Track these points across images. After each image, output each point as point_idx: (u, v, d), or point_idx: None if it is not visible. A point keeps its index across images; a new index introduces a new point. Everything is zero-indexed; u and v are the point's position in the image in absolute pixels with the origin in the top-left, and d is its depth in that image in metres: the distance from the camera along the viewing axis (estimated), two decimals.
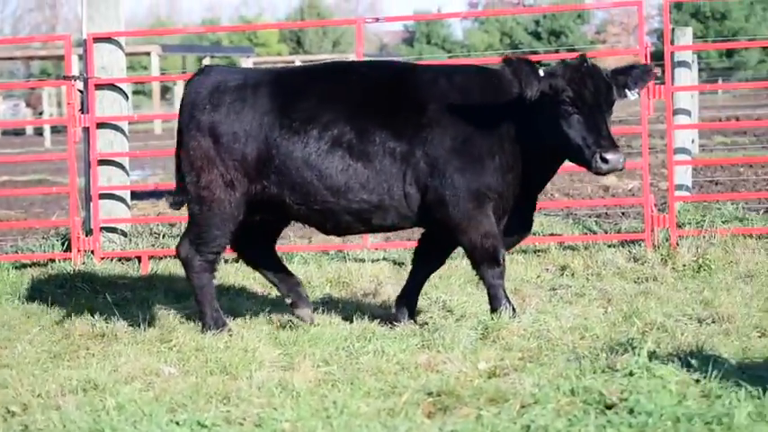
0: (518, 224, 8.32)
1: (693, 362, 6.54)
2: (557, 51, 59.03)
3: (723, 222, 11.47)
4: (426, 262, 8.68)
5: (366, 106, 8.23)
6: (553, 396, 5.97)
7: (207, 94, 8.46)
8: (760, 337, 7.42)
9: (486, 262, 8.06)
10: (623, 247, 11.22)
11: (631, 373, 6.31)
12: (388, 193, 8.11)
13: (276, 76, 8.56)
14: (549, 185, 9.57)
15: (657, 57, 12.90)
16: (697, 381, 6.17)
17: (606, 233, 11.73)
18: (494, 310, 8.02)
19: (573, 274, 10.42)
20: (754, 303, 8.42)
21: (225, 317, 8.46)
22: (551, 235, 11.90)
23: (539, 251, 11.50)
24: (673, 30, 12.04)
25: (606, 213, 13.69)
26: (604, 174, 7.81)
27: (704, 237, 10.87)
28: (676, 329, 7.60)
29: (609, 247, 11.24)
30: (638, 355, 6.59)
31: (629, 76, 7.92)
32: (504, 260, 8.09)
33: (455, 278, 10.06)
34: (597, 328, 7.68)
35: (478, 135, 8.05)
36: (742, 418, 5.44)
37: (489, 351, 7.15)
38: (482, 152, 8.03)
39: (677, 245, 10.90)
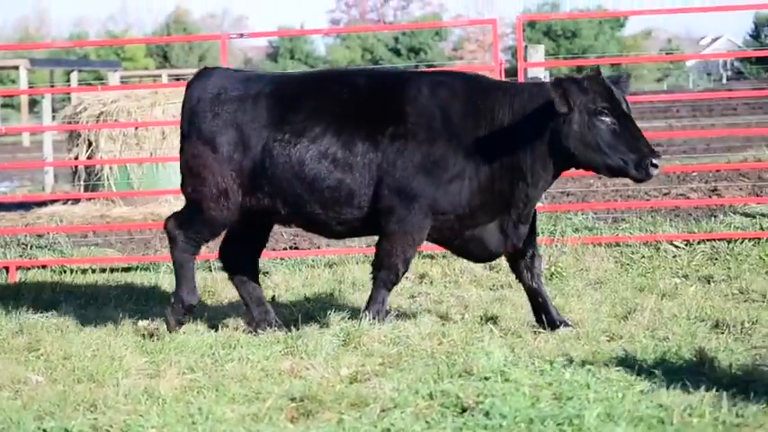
0: (511, 232, 8.28)
1: (546, 366, 6.82)
2: (416, 67, 59.73)
3: (574, 231, 11.80)
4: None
5: (352, 117, 8.26)
6: (412, 400, 6.16)
7: (208, 101, 8.46)
8: (609, 341, 7.65)
9: (389, 272, 8.20)
10: None
11: (487, 378, 6.55)
12: (370, 204, 8.18)
13: (276, 87, 8.54)
14: None
15: (511, 73, 13.21)
16: (550, 384, 6.41)
17: None
18: (366, 308, 8.19)
19: (431, 282, 10.62)
20: (602, 309, 8.67)
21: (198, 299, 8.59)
22: None
23: None
24: (526, 47, 12.33)
25: None
26: (650, 178, 7.86)
27: (556, 245, 11.20)
28: (530, 335, 7.83)
29: None
30: (494, 359, 6.84)
31: (621, 84, 8.04)
32: (401, 276, 8.32)
33: (318, 286, 10.17)
34: (455, 333, 7.84)
35: (451, 153, 8.09)
36: (592, 419, 5.66)
37: (351, 357, 7.28)
38: (450, 171, 8.08)
39: None
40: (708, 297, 9.16)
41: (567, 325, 8.16)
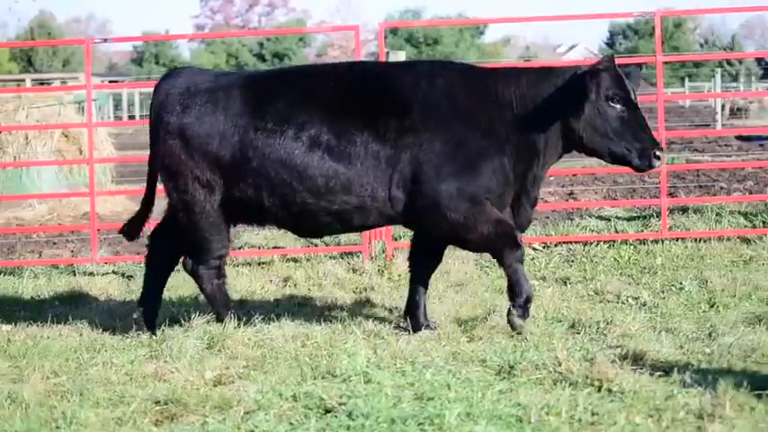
0: (521, 215, 8.24)
1: (408, 367, 6.93)
2: None
3: None
4: (424, 264, 8.51)
5: (346, 107, 8.07)
6: (276, 402, 6.22)
7: (177, 95, 8.23)
8: (469, 342, 7.77)
9: (507, 247, 7.97)
10: (342, 258, 11.60)
11: (350, 379, 6.64)
12: (371, 194, 8.00)
13: (249, 79, 8.40)
14: None
15: None
16: (411, 384, 6.53)
17: (327, 246, 12.05)
18: (513, 295, 7.98)
19: (296, 285, 10.66)
20: (463, 311, 8.79)
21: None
22: (275, 248, 12.16)
23: (263, 263, 11.73)
24: (388, 53, 12.46)
25: None
26: (652, 168, 7.93)
27: None
28: (392, 336, 7.92)
29: (329, 258, 11.60)
30: (356, 361, 6.93)
31: (631, 78, 8.03)
32: (521, 242, 8.08)
33: (183, 289, 10.15)
34: (318, 335, 7.90)
35: (470, 135, 7.96)
36: (452, 419, 5.78)
37: (215, 360, 7.30)
38: (473, 150, 7.93)
39: (393, 256, 11.34)
40: (564, 298, 9.37)
41: (429, 327, 8.25)
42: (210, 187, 8.13)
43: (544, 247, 11.80)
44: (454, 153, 7.90)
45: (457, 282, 10.43)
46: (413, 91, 8.06)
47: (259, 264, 11.73)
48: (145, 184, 8.71)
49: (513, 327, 7.87)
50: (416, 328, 8.22)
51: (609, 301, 9.23)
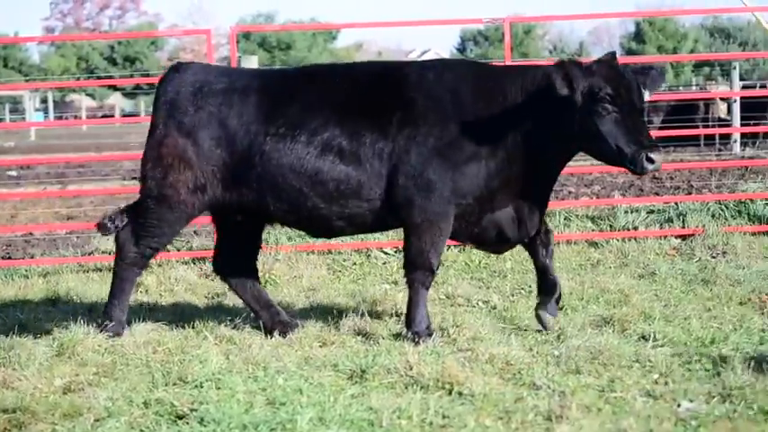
0: (527, 218, 8.12)
1: (260, 372, 6.94)
2: (131, 76, 58.79)
3: (287, 239, 11.98)
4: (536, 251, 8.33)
5: (356, 107, 7.96)
6: (126, 409, 6.18)
7: (189, 94, 8.08)
8: (321, 346, 7.81)
9: (423, 270, 7.96)
10: (195, 263, 11.51)
11: (201, 385, 6.62)
12: (380, 196, 7.89)
13: (264, 82, 8.20)
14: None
15: None
16: (263, 389, 6.55)
17: (178, 251, 11.96)
18: (410, 320, 7.95)
19: (147, 291, 10.55)
20: (315, 315, 8.79)
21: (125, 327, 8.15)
22: None
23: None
24: (240, 57, 12.44)
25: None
26: (648, 173, 7.71)
27: (270, 253, 11.34)
28: (245, 341, 7.91)
29: (181, 264, 11.50)
30: (208, 367, 6.91)
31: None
32: (437, 272, 8.09)
33: (32, 296, 9.97)
34: (170, 342, 7.84)
35: (463, 134, 7.82)
36: (304, 423, 5.82)
37: (65, 367, 7.19)
38: (465, 152, 7.81)
39: None
40: None
41: (553, 313, 8.22)
42: (202, 191, 8.05)
43: (396, 252, 11.87)
44: (445, 152, 7.83)
45: (309, 287, 10.45)
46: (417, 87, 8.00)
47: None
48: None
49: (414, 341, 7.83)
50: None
51: (460, 305, 9.34)
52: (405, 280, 8.10)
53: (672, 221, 12.72)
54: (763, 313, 8.50)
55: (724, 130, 24.21)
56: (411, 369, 6.73)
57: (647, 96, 7.80)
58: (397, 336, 7.96)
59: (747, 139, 24.40)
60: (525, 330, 8.12)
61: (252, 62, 12.79)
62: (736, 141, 24.10)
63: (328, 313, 8.80)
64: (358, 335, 8.06)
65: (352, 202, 7.90)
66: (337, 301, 9.50)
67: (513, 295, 9.74)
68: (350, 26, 18.19)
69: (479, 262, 11.43)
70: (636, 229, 12.51)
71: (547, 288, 8.26)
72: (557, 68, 7.62)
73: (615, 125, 7.58)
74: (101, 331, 8.01)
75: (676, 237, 12.21)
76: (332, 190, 7.87)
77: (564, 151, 8.00)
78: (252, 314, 8.58)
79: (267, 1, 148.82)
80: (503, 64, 9.29)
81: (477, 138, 7.84)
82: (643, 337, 7.70)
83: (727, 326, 8.04)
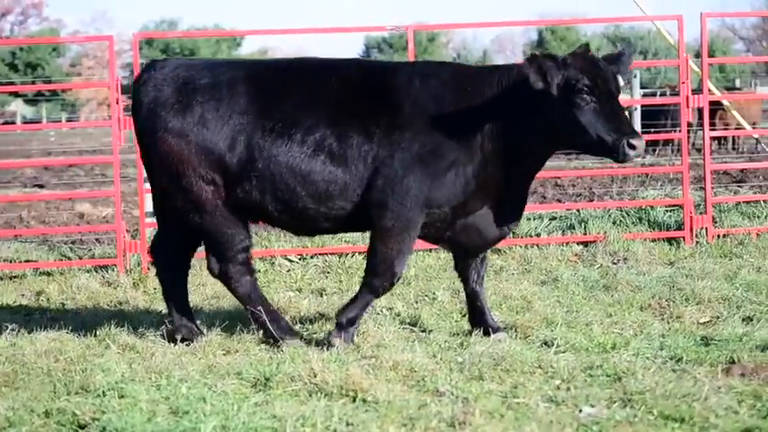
0: (503, 217, 8.07)
1: (163, 381, 6.89)
2: (33, 83, 57.99)
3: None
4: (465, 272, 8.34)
5: (345, 107, 7.86)
6: (27, 419, 6.11)
7: (173, 92, 7.85)
8: (225, 354, 7.78)
9: (383, 277, 7.92)
10: (97, 272, 11.41)
11: (104, 394, 6.56)
12: (359, 197, 7.80)
13: (250, 73, 8.01)
14: (27, 213, 9.46)
15: (127, 90, 13.19)
16: (167, 398, 6.49)
17: (80, 259, 11.85)
18: (342, 311, 7.98)
19: (48, 300, 10.44)
20: (218, 323, 8.70)
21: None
22: (27, 261, 11.89)
23: (14, 277, 11.45)
24: (142, 64, 12.39)
25: (81, 240, 13.74)
26: (630, 160, 7.65)
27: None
28: (148, 350, 7.85)
29: (84, 272, 11.39)
30: (111, 376, 6.85)
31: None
32: (396, 283, 8.04)
33: None
34: (72, 350, 7.76)
35: (445, 141, 7.78)
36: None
37: None
38: (445, 159, 7.77)
39: (148, 270, 11.21)
40: (320, 309, 9.45)
41: (500, 331, 8.19)
42: (216, 184, 7.85)
43: (300, 259, 11.88)
44: (426, 157, 7.79)
45: (213, 294, 10.40)
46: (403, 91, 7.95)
47: (11, 278, 11.44)
48: None
49: (329, 344, 7.87)
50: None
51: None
52: (360, 281, 8.13)
53: (574, 228, 12.88)
54: (663, 319, 8.65)
55: None
56: (315, 377, 6.73)
57: (622, 83, 7.85)
58: (300, 343, 7.95)
59: (648, 146, 24.78)
60: (429, 337, 8.15)
61: None
62: None
63: (232, 321, 8.76)
64: (262, 343, 8.04)
65: (338, 203, 7.85)
66: (241, 309, 9.44)
67: (416, 302, 9.78)
68: (254, 33, 18.18)
69: None
70: (538, 235, 12.65)
71: (477, 314, 8.34)
72: (529, 63, 7.64)
73: (594, 115, 7.63)
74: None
75: (578, 243, 12.37)
76: (321, 191, 7.81)
77: (543, 146, 8.00)
78: (166, 311, 8.54)
79: (171, 7, 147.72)
80: (479, 65, 9.26)
81: (457, 144, 7.83)
82: (545, 343, 7.78)
83: (628, 331, 8.16)
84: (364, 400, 6.38)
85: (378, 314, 9.16)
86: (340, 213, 7.89)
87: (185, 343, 8.10)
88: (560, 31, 79.03)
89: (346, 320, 7.95)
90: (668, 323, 8.45)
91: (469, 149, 7.85)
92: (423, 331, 8.40)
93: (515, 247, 12.10)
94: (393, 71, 8.16)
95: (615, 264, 11.64)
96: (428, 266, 11.55)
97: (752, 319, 8.47)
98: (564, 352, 7.51)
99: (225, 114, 7.85)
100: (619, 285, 10.10)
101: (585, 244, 12.32)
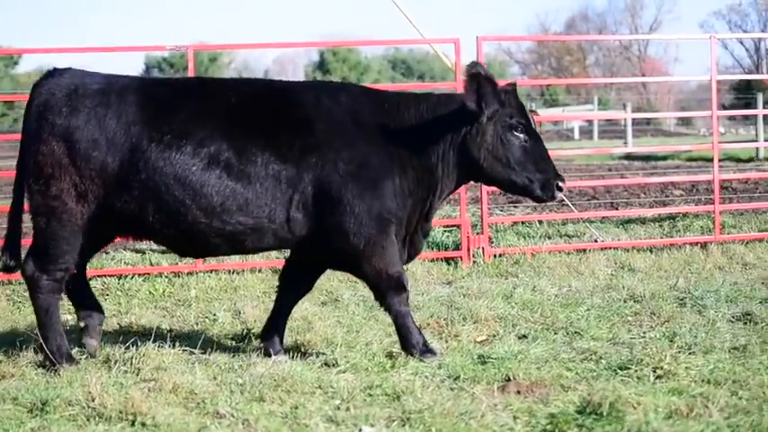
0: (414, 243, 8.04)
1: None
2: None
3: None
4: (295, 287, 8.21)
5: (245, 123, 7.62)
6: None
7: (63, 96, 7.49)
8: (0, 379, 7.61)
9: (392, 290, 7.71)
10: None
11: None
12: (268, 216, 7.55)
13: (144, 84, 7.70)
14: None
15: None
16: None
17: None
18: (405, 343, 7.82)
19: None
20: None
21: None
22: None
23: None
24: None
25: None
26: (556, 200, 7.75)
27: None
28: None
29: None
30: None
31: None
32: (409, 285, 7.79)
33: None
34: None
35: (373, 155, 7.68)
36: None
37: None
38: (377, 171, 7.65)
39: None
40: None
41: (281, 354, 8.14)
42: (85, 197, 7.56)
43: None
44: (358, 173, 7.68)
45: None
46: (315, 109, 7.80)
47: None
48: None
49: (422, 359, 7.82)
50: (267, 350, 8.15)
51: (144, 335, 9.22)
52: (381, 308, 8.01)
53: None
54: (441, 338, 8.80)
55: None
56: (93, 401, 6.63)
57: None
58: (79, 367, 7.80)
59: None
60: (210, 359, 8.10)
61: None
62: None
63: (8, 345, 8.54)
64: (39, 367, 7.85)
65: (234, 219, 7.63)
66: (18, 333, 9.23)
67: (197, 324, 9.73)
68: (31, 51, 17.69)
69: (163, 291, 11.36)
70: None
71: (277, 325, 8.35)
72: (470, 77, 7.68)
73: (525, 154, 7.77)
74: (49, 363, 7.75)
75: None
76: (215, 204, 7.58)
77: (462, 177, 8.04)
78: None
79: None
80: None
81: (386, 157, 7.79)
82: (326, 364, 7.83)
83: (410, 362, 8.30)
84: (143, 424, 6.31)
85: (158, 336, 9.06)
86: (237, 229, 7.68)
87: None
88: (342, 53, 79.75)
89: (419, 346, 7.89)
90: (446, 342, 8.62)
91: (401, 164, 7.83)
92: (203, 353, 8.33)
93: None
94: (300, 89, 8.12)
95: None
96: (209, 288, 11.49)
97: (527, 337, 8.72)
98: (344, 372, 7.58)
99: (111, 122, 7.64)
100: None
101: None
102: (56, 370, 7.69)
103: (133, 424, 6.33)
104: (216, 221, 7.62)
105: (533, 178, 7.79)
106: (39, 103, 7.77)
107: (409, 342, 7.90)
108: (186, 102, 7.77)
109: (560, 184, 7.80)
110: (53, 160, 7.62)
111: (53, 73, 7.96)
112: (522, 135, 7.80)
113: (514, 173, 7.79)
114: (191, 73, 12.37)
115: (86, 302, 8.36)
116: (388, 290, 7.82)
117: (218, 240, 7.75)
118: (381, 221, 7.71)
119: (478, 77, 7.69)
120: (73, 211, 7.64)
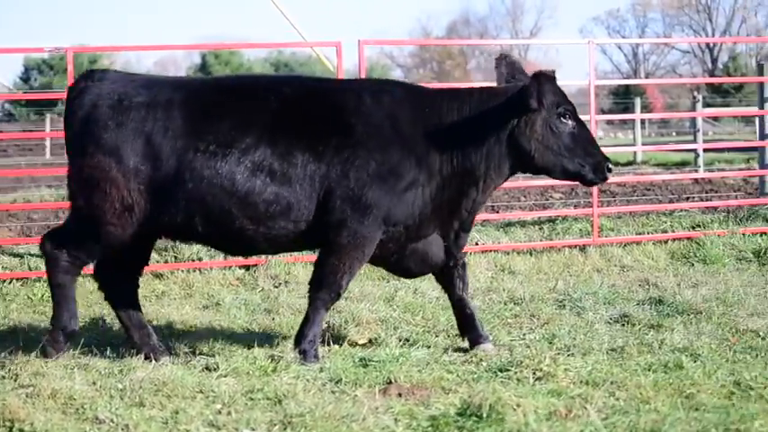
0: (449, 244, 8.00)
1: None
2: None
3: None
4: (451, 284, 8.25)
5: (289, 127, 7.56)
6: None
7: (108, 108, 7.37)
8: None
9: (332, 291, 7.73)
10: None
11: None
12: (306, 217, 7.55)
13: (189, 93, 7.55)
14: None
15: None
16: None
17: None
18: (301, 337, 7.83)
19: None
20: None
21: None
22: None
23: None
24: None
25: None
26: (603, 182, 7.86)
27: None
28: None
29: None
30: None
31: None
32: (342, 295, 7.85)
33: None
34: None
35: (405, 160, 7.61)
36: None
37: None
38: (405, 179, 7.60)
39: None
40: None
41: (488, 341, 8.14)
42: (132, 210, 7.49)
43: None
44: (382, 177, 7.63)
45: None
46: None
47: None
48: None
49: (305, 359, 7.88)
50: None
51: (22, 340, 9.10)
52: (307, 296, 7.98)
53: None
54: (323, 341, 8.80)
55: None
56: None
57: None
58: None
59: None
60: (89, 364, 8.01)
61: None
62: None
63: None
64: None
65: (279, 224, 7.64)
66: None
67: (79, 328, 9.59)
68: None
69: (42, 296, 11.20)
70: (200, 259, 12.65)
71: (468, 323, 8.34)
72: (534, 79, 7.70)
73: (574, 140, 7.82)
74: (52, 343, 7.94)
75: (240, 267, 12.45)
76: (261, 211, 7.58)
77: (511, 171, 8.01)
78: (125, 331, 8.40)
79: None
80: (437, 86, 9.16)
81: (415, 164, 7.75)
82: (207, 368, 7.80)
83: (289, 354, 8.26)
84: (21, 430, 6.22)
85: (37, 342, 8.94)
86: (281, 233, 7.71)
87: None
88: (224, 56, 79.26)
89: (307, 344, 7.91)
90: (328, 345, 8.64)
91: (429, 171, 7.81)
92: (83, 357, 8.24)
93: (177, 272, 12.07)
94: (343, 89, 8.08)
95: (277, 287, 11.81)
96: (90, 291, 11.36)
97: (408, 340, 8.78)
98: (225, 376, 7.56)
99: (158, 136, 7.54)
100: (280, 309, 10.26)
101: (247, 267, 12.43)
102: (58, 349, 8.04)
103: (11, 430, 6.24)
104: (262, 227, 7.68)
105: (585, 162, 7.88)
106: (83, 115, 7.68)
107: (306, 338, 7.96)
108: (230, 108, 7.70)
109: (610, 165, 7.92)
110: (101, 174, 7.55)
111: (91, 76, 7.83)
112: (570, 121, 7.88)
113: (567, 159, 7.87)
114: (69, 75, 12.20)
115: (137, 326, 8.37)
116: (330, 286, 7.85)
117: (265, 245, 7.85)
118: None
119: (540, 76, 7.74)
120: (115, 224, 7.61)
